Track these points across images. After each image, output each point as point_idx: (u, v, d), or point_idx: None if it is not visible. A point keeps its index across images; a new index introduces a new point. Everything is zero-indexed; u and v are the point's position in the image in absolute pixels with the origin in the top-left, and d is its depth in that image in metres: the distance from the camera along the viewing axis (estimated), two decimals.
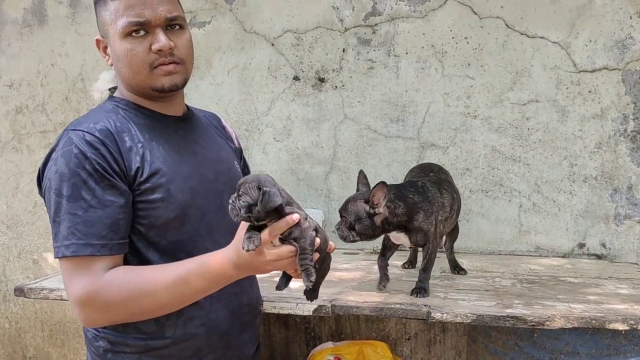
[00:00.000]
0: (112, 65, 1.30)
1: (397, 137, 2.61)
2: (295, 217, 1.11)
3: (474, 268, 2.28)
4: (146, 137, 1.26)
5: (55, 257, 1.16)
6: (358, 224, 1.74)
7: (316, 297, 1.34)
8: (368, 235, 1.78)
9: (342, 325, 2.71)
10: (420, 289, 1.87)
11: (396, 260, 2.38)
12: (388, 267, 1.97)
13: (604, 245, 2.49)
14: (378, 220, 1.76)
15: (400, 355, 2.66)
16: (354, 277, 2.06)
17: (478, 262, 2.38)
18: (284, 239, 1.13)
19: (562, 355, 1.85)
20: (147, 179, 1.21)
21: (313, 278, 1.12)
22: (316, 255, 1.16)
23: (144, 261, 1.24)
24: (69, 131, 1.20)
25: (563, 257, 2.52)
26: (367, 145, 2.64)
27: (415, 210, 1.82)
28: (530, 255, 2.54)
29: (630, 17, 2.34)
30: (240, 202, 1.10)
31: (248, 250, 1.08)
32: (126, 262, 1.22)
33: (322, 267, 1.27)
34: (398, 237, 1.89)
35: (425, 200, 1.85)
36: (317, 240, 1.16)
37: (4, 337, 3.23)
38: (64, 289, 1.91)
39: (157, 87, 1.26)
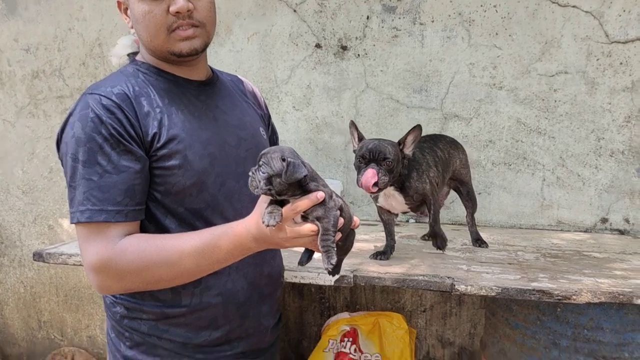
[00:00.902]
0: (132, 27, 1.26)
1: (419, 107, 2.55)
2: (320, 195, 1.06)
3: (495, 241, 2.25)
4: (165, 101, 1.22)
5: (71, 223, 1.14)
6: (397, 167, 1.73)
7: (338, 273, 1.30)
8: (395, 180, 1.77)
9: (357, 296, 2.70)
10: (437, 236, 1.90)
11: (415, 232, 2.36)
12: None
13: (627, 221, 2.44)
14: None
15: (415, 327, 2.65)
16: (374, 248, 2.03)
17: (499, 236, 2.35)
18: (305, 217, 1.09)
19: (585, 330, 1.82)
20: (164, 144, 1.18)
21: (334, 261, 1.08)
22: (339, 235, 1.12)
23: (161, 228, 1.21)
24: (87, 95, 1.17)
25: (585, 231, 2.47)
26: (388, 115, 2.58)
27: (410, 168, 1.83)
28: (552, 230, 2.50)
29: None
30: (261, 173, 1.05)
31: (268, 226, 1.04)
32: (143, 229, 1.20)
33: (346, 244, 1.22)
34: (392, 195, 1.86)
35: (414, 160, 1.86)
36: (341, 220, 1.11)
37: (19, 302, 3.25)
38: None
39: (175, 51, 1.21)
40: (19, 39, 2.98)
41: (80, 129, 1.12)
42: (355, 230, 1.24)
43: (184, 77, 1.29)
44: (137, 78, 1.24)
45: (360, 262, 1.87)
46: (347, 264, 1.85)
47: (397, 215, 2.03)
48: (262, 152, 1.09)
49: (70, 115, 1.17)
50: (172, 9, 1.17)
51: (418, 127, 1.76)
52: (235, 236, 1.12)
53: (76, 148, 1.12)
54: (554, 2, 2.37)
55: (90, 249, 1.12)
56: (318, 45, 2.62)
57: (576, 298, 1.63)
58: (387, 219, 1.98)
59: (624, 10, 2.31)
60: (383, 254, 1.95)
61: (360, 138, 1.81)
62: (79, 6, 2.87)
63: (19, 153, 3.07)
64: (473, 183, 2.53)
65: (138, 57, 1.32)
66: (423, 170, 1.86)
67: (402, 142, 1.77)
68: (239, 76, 1.52)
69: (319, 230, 1.08)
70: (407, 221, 2.64)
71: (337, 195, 1.15)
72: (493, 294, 1.66)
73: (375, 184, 1.66)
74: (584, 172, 2.45)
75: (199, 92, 1.30)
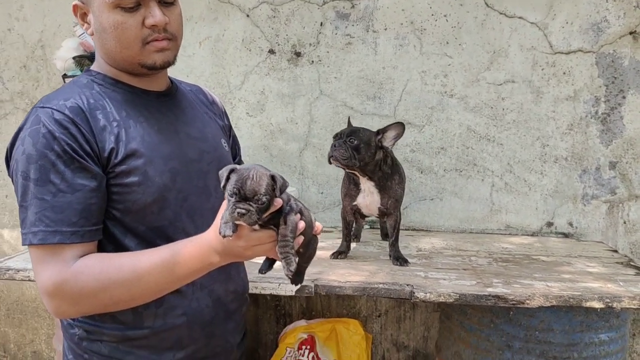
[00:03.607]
0: (92, 34, 1.21)
1: (373, 114, 2.58)
2: (277, 202, 1.04)
3: (448, 247, 2.30)
4: (123, 114, 1.18)
5: (23, 245, 1.09)
6: (364, 149, 1.87)
7: (301, 282, 1.29)
8: (363, 163, 1.89)
9: (313, 302, 2.70)
10: (399, 258, 1.99)
11: (371, 237, 2.38)
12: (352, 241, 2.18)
13: (571, 225, 2.55)
14: (376, 156, 1.91)
15: (371, 332, 2.68)
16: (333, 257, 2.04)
17: (452, 241, 2.40)
18: (264, 224, 1.06)
19: (536, 332, 1.89)
20: (122, 160, 1.14)
21: (293, 267, 1.05)
22: (300, 239, 1.10)
23: (120, 248, 1.17)
24: (37, 109, 1.12)
25: (532, 235, 2.57)
26: (342, 122, 2.59)
27: (394, 171, 1.98)
28: (501, 234, 2.58)
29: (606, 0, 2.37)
30: (259, 205, 1.00)
31: (225, 236, 1.02)
32: (101, 248, 1.15)
33: (308, 251, 1.20)
34: (371, 193, 1.98)
35: (398, 166, 2.02)
36: (302, 224, 1.09)
37: None
38: (31, 269, 1.84)
39: (148, 63, 1.18)
40: None
41: (31, 145, 1.07)
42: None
43: (143, 87, 1.25)
44: (92, 90, 1.19)
45: (319, 271, 1.87)
46: (307, 273, 1.84)
47: (364, 219, 2.16)
48: (242, 183, 1.01)
49: (20, 129, 1.12)
50: (149, 21, 1.14)
51: (401, 125, 1.92)
52: (196, 250, 1.09)
53: (27, 166, 1.07)
54: (501, 13, 2.44)
55: (44, 273, 1.07)
56: (271, 51, 2.60)
57: (529, 302, 1.69)
58: (350, 220, 2.07)
59: (567, 22, 2.41)
60: (341, 253, 2.05)
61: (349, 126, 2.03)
62: (19, 5, 2.74)
63: None
64: (426, 189, 2.60)
65: (93, 67, 1.26)
66: (403, 178, 2.00)
67: (380, 132, 1.92)
68: (200, 86, 1.49)
69: (277, 236, 1.07)
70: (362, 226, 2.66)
71: (295, 200, 1.13)
72: (451, 300, 1.70)
73: (335, 158, 1.86)
74: (530, 177, 2.54)
75: (159, 103, 1.27)
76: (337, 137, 1.92)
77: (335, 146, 1.87)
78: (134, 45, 1.16)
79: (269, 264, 1.23)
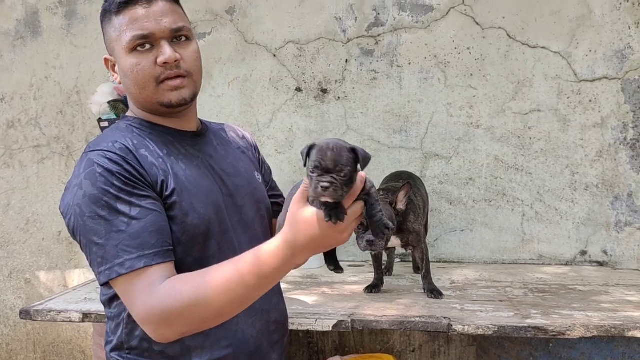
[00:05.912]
0: (120, 83, 1.27)
1: (400, 147, 2.60)
2: (362, 174, 1.02)
3: (482, 278, 2.28)
4: (164, 152, 1.23)
5: (107, 280, 1.10)
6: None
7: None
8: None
9: (346, 338, 2.69)
10: (433, 291, 1.97)
11: (402, 271, 2.38)
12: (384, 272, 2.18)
13: (605, 253, 2.52)
14: None
15: None
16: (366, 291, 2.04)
17: (485, 272, 2.38)
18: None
19: None
20: (172, 193, 1.18)
21: (391, 225, 1.05)
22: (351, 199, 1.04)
23: None
24: (87, 153, 1.16)
25: (566, 264, 2.53)
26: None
27: (407, 212, 1.93)
28: (534, 264, 2.55)
29: (629, 27, 2.39)
30: (342, 176, 0.96)
31: (336, 222, 0.98)
32: None
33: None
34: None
35: (411, 202, 1.96)
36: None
37: None
38: (73, 310, 1.87)
39: (165, 102, 1.22)
40: None
41: (90, 186, 1.10)
42: (345, 272, 1.22)
43: (177, 128, 1.30)
44: (132, 133, 1.24)
45: (355, 306, 1.87)
46: (343, 307, 1.85)
47: (392, 250, 2.18)
48: (318, 156, 0.98)
49: (73, 178, 1.15)
50: (160, 59, 1.18)
51: (408, 185, 1.86)
52: (271, 256, 1.06)
53: (91, 206, 1.09)
54: (524, 44, 2.48)
55: (137, 302, 1.08)
56: (298, 89, 2.66)
57: (570, 333, 1.66)
58: (376, 253, 2.06)
59: (590, 51, 2.43)
60: (375, 287, 2.06)
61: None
62: (55, 54, 2.86)
63: None
64: (456, 220, 2.59)
65: (128, 113, 1.32)
66: (419, 214, 1.96)
67: (393, 202, 1.86)
68: (229, 124, 1.53)
69: (365, 204, 1.04)
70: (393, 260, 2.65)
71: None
72: (490, 332, 1.68)
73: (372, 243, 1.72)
74: (561, 206, 2.52)
75: (193, 142, 1.31)
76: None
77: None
78: (149, 85, 1.20)
79: (333, 261, 1.23)
